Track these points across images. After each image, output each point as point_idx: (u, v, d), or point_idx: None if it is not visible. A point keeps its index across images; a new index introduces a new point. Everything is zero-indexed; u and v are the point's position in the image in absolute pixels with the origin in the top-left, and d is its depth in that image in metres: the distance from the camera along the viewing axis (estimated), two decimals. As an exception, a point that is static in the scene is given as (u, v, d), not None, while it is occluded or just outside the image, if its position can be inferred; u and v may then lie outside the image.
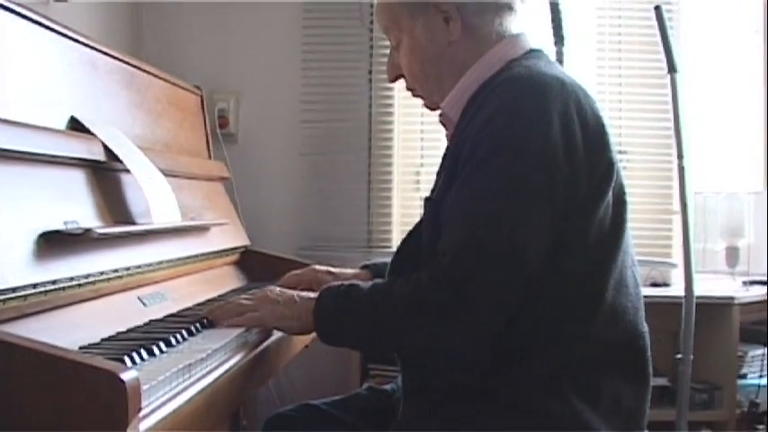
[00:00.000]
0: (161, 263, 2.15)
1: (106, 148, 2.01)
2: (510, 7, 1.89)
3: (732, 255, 3.70)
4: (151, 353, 1.58)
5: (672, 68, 3.24)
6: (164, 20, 3.85)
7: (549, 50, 3.07)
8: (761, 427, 3.43)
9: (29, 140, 1.71)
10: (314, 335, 1.84)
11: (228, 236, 2.73)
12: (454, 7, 1.85)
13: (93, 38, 2.25)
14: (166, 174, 2.26)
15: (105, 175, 2.03)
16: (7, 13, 1.83)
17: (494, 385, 1.71)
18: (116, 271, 1.89)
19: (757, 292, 3.48)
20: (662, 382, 3.35)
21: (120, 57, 2.39)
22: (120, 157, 2.03)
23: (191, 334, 1.79)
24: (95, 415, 1.24)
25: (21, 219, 1.60)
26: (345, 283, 1.82)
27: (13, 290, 1.50)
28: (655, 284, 3.61)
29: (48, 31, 2.00)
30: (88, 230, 1.74)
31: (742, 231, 3.72)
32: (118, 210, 2.03)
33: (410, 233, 1.98)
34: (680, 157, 3.21)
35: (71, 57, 2.11)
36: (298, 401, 2.07)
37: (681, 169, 3.21)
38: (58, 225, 1.70)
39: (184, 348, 1.69)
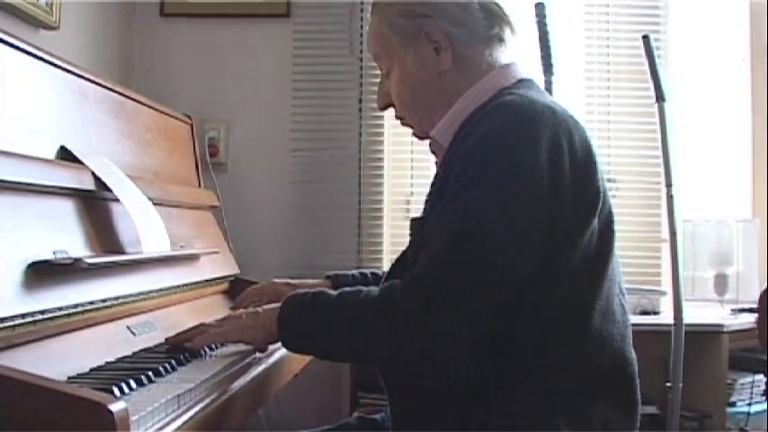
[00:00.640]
0: (150, 292, 2.15)
1: (96, 177, 2.01)
2: (500, 38, 1.91)
3: (721, 282, 3.71)
4: (140, 383, 1.58)
5: (660, 97, 3.26)
6: (154, 48, 3.86)
7: (539, 79, 3.11)
8: (751, 454, 3.43)
9: (18, 170, 1.71)
10: (304, 363, 1.84)
11: (218, 264, 2.73)
12: (445, 38, 1.87)
13: (82, 67, 2.25)
14: (156, 203, 2.26)
15: (95, 205, 2.02)
16: (-4, 42, 1.83)
17: (482, 413, 1.70)
18: (105, 300, 1.89)
19: (746, 320, 3.48)
20: (652, 410, 3.35)
21: (110, 86, 2.39)
22: (110, 187, 2.03)
23: (180, 364, 1.79)
24: (84, 446, 1.23)
25: (10, 248, 1.60)
26: (311, 290, 1.82)
27: (2, 320, 1.50)
28: (644, 312, 3.61)
29: (37, 61, 2.01)
30: (77, 260, 1.73)
31: (731, 259, 3.72)
32: (107, 239, 2.02)
33: (399, 257, 1.99)
34: (668, 185, 3.23)
35: (61, 86, 2.11)
36: (287, 430, 2.07)
37: (669, 197, 3.22)
38: (47, 255, 1.70)
39: (173, 378, 1.68)
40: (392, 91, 1.96)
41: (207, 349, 1.93)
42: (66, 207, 1.90)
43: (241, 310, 1.92)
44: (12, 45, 1.90)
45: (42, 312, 1.62)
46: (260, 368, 1.94)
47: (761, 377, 3.51)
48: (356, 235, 3.79)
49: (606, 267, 1.76)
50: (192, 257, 2.50)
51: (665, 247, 3.46)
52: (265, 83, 3.86)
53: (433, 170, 2.00)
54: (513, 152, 1.68)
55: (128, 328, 1.99)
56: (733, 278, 3.71)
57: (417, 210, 3.66)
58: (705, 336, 3.41)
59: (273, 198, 3.82)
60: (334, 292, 1.77)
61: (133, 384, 1.55)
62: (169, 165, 2.73)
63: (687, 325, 3.16)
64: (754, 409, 3.51)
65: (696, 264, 3.75)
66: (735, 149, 4.00)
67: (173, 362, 1.76)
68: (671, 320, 3.16)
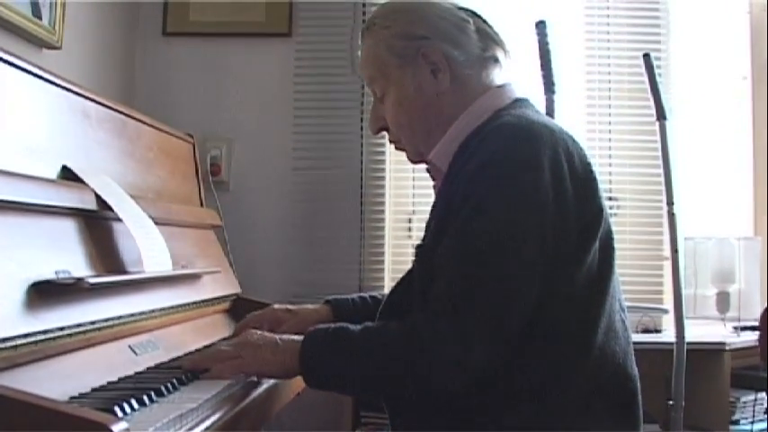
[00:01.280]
0: (153, 311, 2.14)
1: (98, 196, 2.01)
2: (495, 59, 1.92)
3: (723, 300, 3.70)
4: (142, 403, 1.57)
5: (661, 115, 3.26)
6: (156, 67, 3.87)
7: (540, 99, 3.13)
8: (754, 473, 3.42)
9: (20, 190, 1.71)
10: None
11: (220, 284, 2.72)
12: (443, 59, 1.87)
13: (84, 86, 2.26)
14: (158, 222, 2.26)
15: (97, 224, 2.03)
16: (-2, 62, 1.84)
17: (484, 431, 1.70)
18: (107, 320, 1.89)
19: (748, 338, 3.47)
20: (654, 428, 3.34)
21: (112, 105, 2.40)
22: (112, 206, 2.03)
23: (182, 383, 1.78)
24: (85, 466, 1.23)
25: (12, 268, 1.60)
26: (333, 325, 1.80)
27: (4, 340, 1.49)
28: (646, 330, 3.61)
29: (39, 80, 2.01)
30: (80, 280, 1.74)
31: (733, 277, 3.72)
32: (109, 258, 2.03)
33: (400, 281, 1.98)
34: (670, 203, 3.23)
35: (63, 105, 2.12)
36: (289, 450, 2.06)
37: (671, 215, 3.23)
38: (49, 275, 1.70)
39: (175, 398, 1.68)
40: (388, 114, 1.96)
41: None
42: (69, 227, 1.90)
43: (257, 335, 1.85)
44: (14, 65, 1.90)
45: (44, 332, 1.62)
46: (262, 387, 1.93)
47: (763, 395, 3.50)
48: (358, 254, 3.78)
49: (608, 285, 1.77)
50: (194, 277, 2.50)
51: (667, 265, 3.45)
52: (267, 102, 3.86)
53: (435, 189, 2.00)
54: (516, 177, 1.68)
55: (130, 347, 1.99)
56: (735, 296, 3.71)
57: (419, 228, 3.69)
58: (707, 354, 3.40)
59: (275, 217, 3.82)
60: (356, 328, 1.76)
61: (135, 404, 1.54)
62: (171, 184, 2.74)
63: (689, 343, 3.16)
64: (756, 427, 3.50)
65: (698, 282, 3.75)
66: (736, 167, 4.00)
67: (175, 381, 1.76)
68: (673, 338, 3.16)
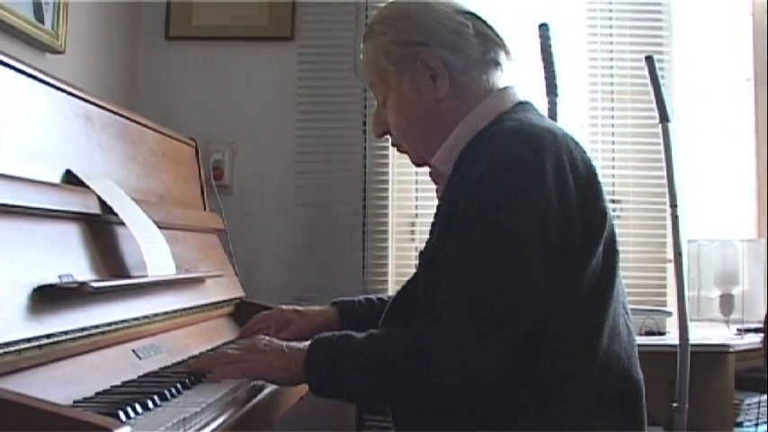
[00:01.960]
0: (156, 315, 2.15)
1: (101, 200, 2.01)
2: (496, 62, 1.92)
3: (727, 302, 3.69)
4: (145, 407, 1.57)
5: (664, 118, 3.26)
6: (159, 71, 3.87)
7: (543, 101, 3.12)
8: (758, 475, 3.42)
9: (24, 194, 1.71)
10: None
11: (223, 287, 2.73)
12: (442, 65, 1.87)
13: (87, 90, 2.26)
14: (161, 226, 2.26)
15: (100, 228, 2.03)
16: (1, 66, 1.84)
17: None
18: (111, 324, 1.89)
19: (752, 340, 3.47)
20: (658, 431, 3.34)
21: (115, 109, 2.40)
22: (116, 210, 2.03)
23: (186, 387, 1.78)
24: (89, 470, 1.23)
25: (15, 273, 1.60)
26: (337, 333, 1.81)
27: (8, 344, 1.50)
28: (650, 333, 3.60)
29: (42, 85, 2.01)
30: (83, 284, 1.74)
31: (736, 279, 3.71)
32: (113, 263, 2.03)
33: (404, 286, 1.99)
34: (673, 205, 3.23)
35: (66, 110, 2.12)
36: (293, 453, 2.06)
37: (674, 218, 3.22)
38: (52, 279, 1.70)
39: (179, 402, 1.68)
40: (389, 119, 1.96)
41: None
42: (72, 231, 1.90)
43: (264, 341, 1.86)
44: (17, 69, 1.90)
45: (48, 336, 1.63)
46: (266, 391, 1.94)
47: (767, 397, 3.50)
48: (361, 257, 3.78)
49: (612, 288, 1.76)
50: (198, 281, 2.50)
51: (671, 268, 3.45)
52: (270, 105, 3.86)
53: (439, 193, 2.00)
54: (519, 181, 1.68)
55: (133, 351, 1.99)
56: (738, 298, 3.70)
57: (422, 231, 3.69)
58: (711, 356, 3.40)
59: (278, 220, 3.82)
60: (360, 336, 1.76)
61: (139, 408, 1.55)
62: (174, 188, 2.74)
63: (693, 345, 3.16)
64: (761, 429, 3.49)
65: (701, 284, 3.74)
66: (739, 169, 3.99)
67: (178, 385, 1.76)
68: (677, 341, 3.15)
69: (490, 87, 1.91)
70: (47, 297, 1.65)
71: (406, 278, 2.04)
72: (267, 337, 1.89)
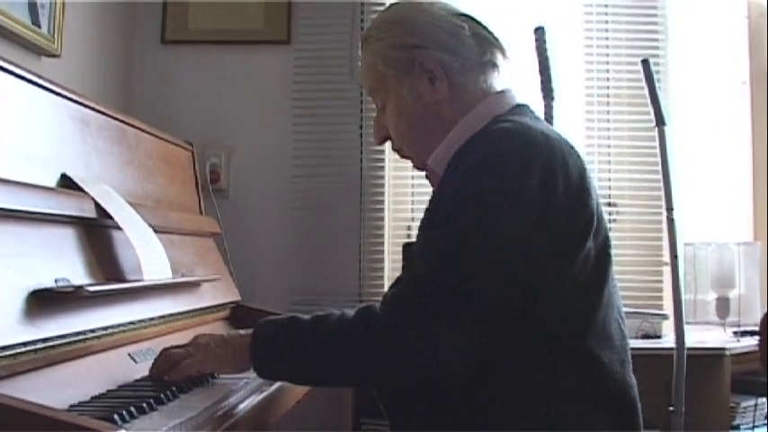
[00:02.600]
0: (152, 319, 2.15)
1: (97, 204, 2.01)
2: (493, 64, 1.92)
3: (723, 305, 3.70)
4: (142, 411, 1.58)
5: (660, 121, 3.27)
6: (155, 75, 3.87)
7: (539, 105, 3.13)
8: (755, 478, 3.42)
9: (20, 198, 1.71)
10: (306, 390, 1.83)
11: (219, 291, 2.72)
12: (439, 67, 1.88)
13: (83, 94, 2.26)
14: (157, 230, 2.26)
15: (96, 232, 2.03)
16: (-2, 70, 1.84)
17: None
18: (107, 328, 1.89)
19: (749, 343, 3.47)
20: (655, 434, 3.35)
21: (111, 113, 2.40)
22: (112, 214, 2.04)
23: (181, 391, 1.79)
24: (85, 475, 1.23)
25: (11, 277, 1.60)
26: (282, 316, 1.84)
27: (3, 348, 1.50)
28: (646, 336, 3.61)
29: (39, 89, 2.01)
30: (79, 288, 1.74)
31: (732, 282, 3.71)
32: (109, 266, 2.03)
33: (394, 282, 2.01)
34: (669, 208, 3.24)
35: (62, 113, 2.12)
36: (289, 457, 2.06)
37: (670, 221, 3.23)
38: (48, 283, 1.70)
39: (175, 406, 1.68)
40: (389, 124, 1.97)
41: (210, 377, 1.93)
42: (68, 235, 1.90)
43: (206, 335, 1.90)
44: (13, 73, 1.90)
45: (44, 340, 1.63)
46: (262, 395, 1.94)
47: (764, 400, 3.50)
48: (357, 261, 3.78)
49: (601, 292, 1.77)
50: (194, 284, 2.50)
51: (667, 271, 3.45)
52: (266, 109, 3.86)
53: (433, 196, 2.01)
54: (502, 178, 1.69)
55: (129, 355, 1.99)
56: (735, 301, 3.70)
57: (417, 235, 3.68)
58: (707, 359, 3.40)
59: (275, 224, 3.82)
60: (307, 317, 1.78)
61: (135, 412, 1.55)
62: (170, 191, 2.74)
63: (689, 348, 3.16)
64: (758, 432, 3.51)
65: (698, 287, 3.75)
66: (735, 172, 4.00)
67: (174, 389, 1.76)
68: (673, 344, 3.16)
69: (488, 89, 1.92)
70: (43, 301, 1.65)
71: (399, 275, 2.05)
72: (208, 333, 1.94)
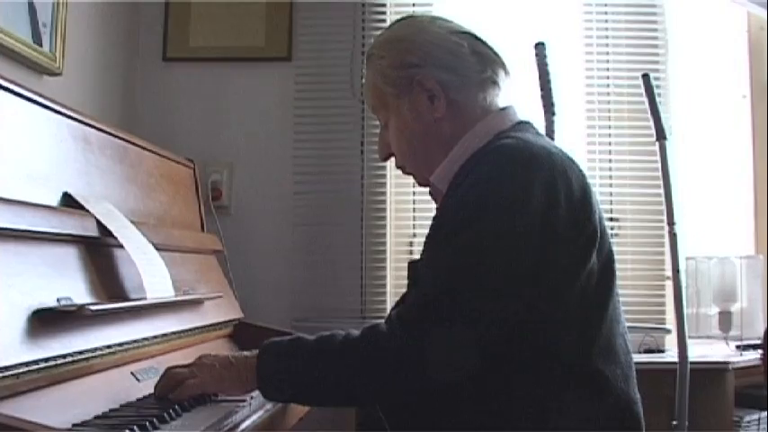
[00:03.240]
0: (155, 337, 2.15)
1: (99, 223, 2.01)
2: (493, 82, 1.93)
3: (725, 319, 3.69)
4: (144, 429, 1.57)
5: (661, 135, 3.27)
6: (157, 93, 3.87)
7: (540, 120, 3.13)
8: (759, 493, 3.41)
9: (22, 217, 1.71)
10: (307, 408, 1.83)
11: (222, 309, 2.72)
12: (437, 85, 1.89)
13: (85, 113, 2.27)
14: (159, 248, 2.26)
15: (99, 251, 2.03)
16: None
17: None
18: (110, 347, 1.89)
19: (751, 357, 3.47)
20: (659, 449, 3.34)
21: (113, 132, 2.40)
22: (114, 233, 2.04)
23: (184, 410, 1.79)
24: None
25: (14, 296, 1.61)
26: (288, 337, 1.84)
27: (6, 368, 1.50)
28: (649, 351, 3.60)
29: (40, 108, 2.02)
30: (81, 307, 1.74)
31: (735, 296, 3.71)
32: (111, 285, 2.03)
33: (399, 300, 2.01)
34: (671, 223, 3.24)
35: (64, 132, 2.12)
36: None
37: (672, 235, 3.23)
38: (51, 302, 1.70)
39: (178, 425, 1.68)
40: (391, 141, 1.98)
41: (213, 396, 1.93)
42: (70, 254, 1.91)
43: (211, 356, 1.90)
44: (15, 92, 1.91)
45: (46, 360, 1.63)
46: (265, 414, 1.94)
47: (767, 414, 3.49)
48: (359, 277, 3.77)
49: (606, 307, 1.77)
50: (196, 302, 2.50)
51: (669, 285, 3.45)
52: (267, 126, 3.86)
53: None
54: (504, 194, 1.70)
55: (132, 374, 1.99)
56: (737, 315, 3.70)
57: (420, 251, 3.67)
58: (710, 373, 3.39)
59: (276, 241, 3.82)
60: (311, 337, 1.78)
61: (138, 431, 1.55)
62: (172, 209, 2.74)
63: (692, 363, 3.16)
64: (761, 446, 3.50)
65: (700, 301, 3.74)
66: (737, 186, 4.00)
67: (177, 408, 1.76)
68: (676, 358, 3.15)
69: (489, 106, 1.93)
70: (45, 320, 1.65)
71: (404, 293, 2.06)
72: (213, 353, 1.93)
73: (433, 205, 2.05)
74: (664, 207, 3.28)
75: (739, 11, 4.02)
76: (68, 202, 2.01)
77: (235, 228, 3.75)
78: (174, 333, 2.27)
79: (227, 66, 3.88)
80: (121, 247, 2.06)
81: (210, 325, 2.58)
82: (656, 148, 3.30)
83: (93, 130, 2.28)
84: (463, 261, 1.68)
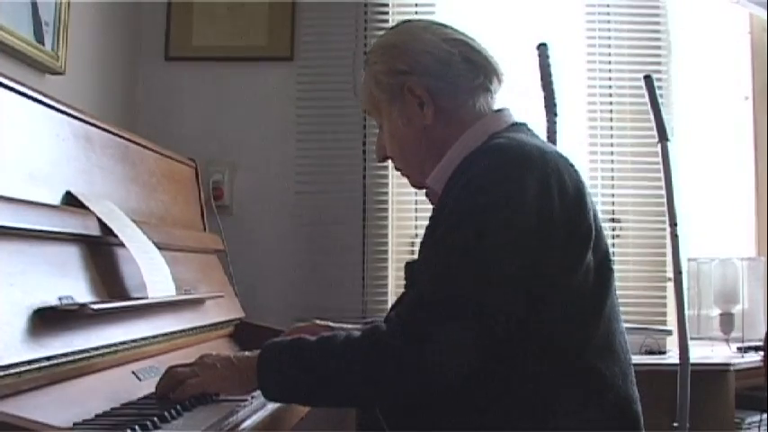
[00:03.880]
0: (156, 337, 2.15)
1: (101, 222, 2.02)
2: (486, 88, 1.96)
3: (727, 321, 3.69)
4: (146, 428, 1.57)
5: (663, 136, 3.27)
6: (159, 92, 3.87)
7: (542, 121, 3.13)
8: (760, 495, 3.41)
9: (24, 216, 1.71)
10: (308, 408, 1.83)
11: (223, 308, 2.72)
12: (426, 93, 1.92)
13: (87, 112, 2.27)
14: (161, 247, 2.26)
15: (100, 250, 2.03)
16: (1, 87, 1.84)
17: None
18: (111, 346, 1.89)
19: (753, 358, 3.47)
20: (659, 450, 3.34)
21: (115, 131, 2.40)
22: (115, 232, 2.04)
23: (185, 409, 1.78)
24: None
25: (16, 295, 1.61)
26: (289, 338, 1.84)
27: (8, 367, 1.50)
28: (650, 352, 3.59)
29: (42, 106, 2.02)
30: (83, 306, 1.74)
31: (736, 297, 3.71)
32: (113, 284, 2.03)
33: (397, 300, 2.02)
34: (673, 224, 3.23)
35: (66, 131, 2.12)
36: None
37: (674, 236, 3.22)
38: (53, 301, 1.70)
39: (179, 424, 1.68)
40: (386, 145, 2.01)
41: (214, 395, 1.93)
42: (72, 253, 1.91)
43: (213, 355, 1.90)
44: (17, 90, 1.91)
45: (48, 359, 1.63)
46: (265, 413, 1.94)
47: (768, 416, 3.50)
48: (361, 278, 3.78)
49: (603, 305, 1.78)
50: (197, 302, 2.50)
51: (670, 287, 3.44)
52: (269, 125, 3.86)
53: (437, 212, 2.03)
54: (498, 193, 1.70)
55: (133, 373, 1.99)
56: (739, 316, 3.70)
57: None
58: (712, 375, 3.39)
59: (278, 241, 3.82)
60: (313, 338, 1.78)
61: (139, 430, 1.55)
62: (174, 208, 2.74)
63: (693, 364, 3.15)
64: (762, 448, 3.50)
65: (701, 302, 3.74)
66: (739, 187, 4.00)
67: (178, 407, 1.76)
68: (677, 360, 3.15)
69: (481, 111, 1.95)
70: (47, 319, 1.66)
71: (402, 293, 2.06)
72: (214, 353, 1.93)
73: (436, 204, 2.06)
74: (665, 208, 3.27)
75: (741, 12, 4.03)
76: (70, 201, 2.01)
77: (236, 227, 3.74)
78: (175, 332, 2.27)
79: (230, 65, 3.88)
80: (123, 246, 2.06)
81: (211, 324, 2.59)
82: (658, 149, 3.29)
83: (94, 129, 2.28)
84: (458, 260, 1.68)
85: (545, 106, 3.22)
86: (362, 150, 3.80)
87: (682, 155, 3.70)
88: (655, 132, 3.30)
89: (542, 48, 3.23)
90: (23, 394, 1.55)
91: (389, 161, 2.08)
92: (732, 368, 3.40)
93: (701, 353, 3.46)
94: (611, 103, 3.82)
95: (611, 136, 3.82)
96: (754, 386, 3.49)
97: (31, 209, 1.76)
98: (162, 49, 3.88)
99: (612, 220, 3.75)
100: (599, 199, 3.71)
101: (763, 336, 3.47)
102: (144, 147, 2.61)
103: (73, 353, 1.72)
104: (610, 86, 3.82)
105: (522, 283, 1.68)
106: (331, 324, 2.32)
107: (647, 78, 3.30)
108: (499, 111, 1.97)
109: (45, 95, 2.03)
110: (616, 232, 3.76)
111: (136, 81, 3.83)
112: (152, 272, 2.13)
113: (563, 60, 3.46)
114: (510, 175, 1.71)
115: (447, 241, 1.72)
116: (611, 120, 3.82)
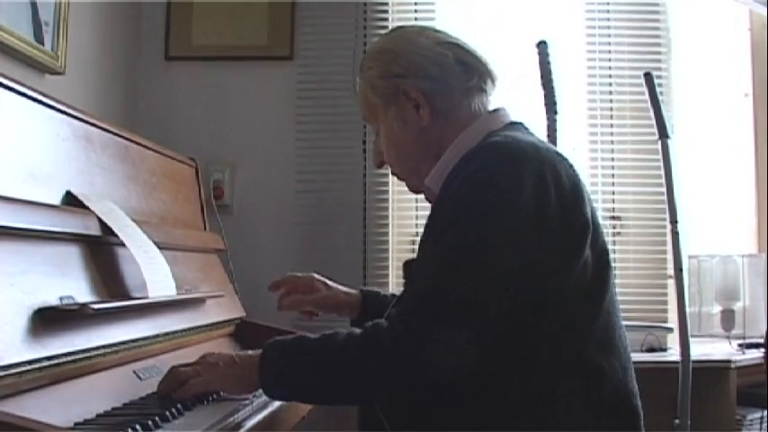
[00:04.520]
0: (157, 336, 2.15)
1: (101, 222, 2.02)
2: (480, 89, 1.98)
3: (728, 318, 3.69)
4: (147, 428, 1.57)
5: (663, 134, 3.27)
6: (159, 92, 3.87)
7: (542, 119, 3.13)
8: (761, 491, 3.41)
9: (24, 216, 1.71)
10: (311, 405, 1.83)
11: (224, 308, 2.72)
12: (421, 95, 1.94)
13: (87, 111, 2.27)
14: (162, 246, 2.26)
15: (101, 250, 2.03)
16: (1, 88, 1.84)
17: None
18: (112, 346, 1.89)
19: (754, 355, 3.46)
20: (661, 447, 3.34)
21: (115, 130, 2.40)
22: (116, 231, 2.04)
23: (187, 409, 1.78)
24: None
25: (16, 295, 1.61)
26: (290, 336, 1.84)
27: (9, 367, 1.50)
28: (651, 349, 3.59)
29: (42, 106, 2.02)
30: (84, 306, 1.74)
31: (737, 294, 3.71)
32: (114, 284, 2.03)
33: (398, 298, 2.03)
34: (673, 221, 3.23)
35: (66, 131, 2.12)
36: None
37: (674, 233, 3.22)
38: (53, 301, 1.70)
39: (180, 423, 1.68)
40: (383, 149, 2.03)
41: (216, 395, 1.93)
42: (73, 252, 1.91)
43: (215, 355, 1.90)
44: (16, 91, 1.91)
45: (49, 358, 1.63)
46: (267, 412, 1.94)
47: (770, 413, 3.50)
48: (361, 277, 3.77)
49: (602, 300, 1.79)
50: (198, 301, 2.50)
51: (671, 284, 3.44)
52: (270, 125, 3.86)
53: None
54: (495, 189, 1.71)
55: (134, 372, 1.99)
56: (740, 313, 3.70)
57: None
58: (713, 372, 3.39)
59: (278, 240, 3.81)
60: (314, 336, 1.78)
61: (140, 430, 1.55)
62: (174, 208, 2.74)
63: (694, 361, 3.15)
64: (764, 445, 3.50)
65: (702, 299, 3.74)
66: (739, 184, 4.00)
67: (179, 407, 1.76)
68: (678, 357, 3.15)
69: (477, 111, 1.97)
70: (48, 319, 1.66)
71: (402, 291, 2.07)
72: (216, 352, 1.94)
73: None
74: (666, 205, 3.27)
75: (741, 9, 4.02)
76: (70, 200, 2.01)
77: (236, 227, 3.75)
78: (176, 332, 2.27)
79: (230, 65, 3.88)
80: (124, 245, 2.06)
81: (212, 324, 2.59)
82: (659, 146, 3.29)
83: (95, 129, 2.28)
84: (455, 256, 1.69)
85: (545, 104, 3.22)
86: (362, 150, 3.80)
87: (682, 152, 3.70)
88: (655, 129, 3.30)
89: (542, 45, 3.23)
90: (24, 394, 1.55)
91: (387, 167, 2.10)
92: (733, 365, 3.40)
93: (702, 350, 3.46)
94: (611, 101, 3.82)
95: (612, 133, 3.81)
96: (755, 383, 3.49)
97: (31, 209, 1.76)
98: (162, 48, 3.88)
99: (613, 218, 3.75)
100: (599, 196, 3.71)
101: (764, 332, 3.47)
102: (144, 146, 2.61)
103: (74, 353, 1.72)
104: (610, 84, 3.82)
105: (521, 279, 1.69)
106: (327, 281, 2.39)
107: (647, 75, 3.30)
108: (495, 110, 1.99)
109: (45, 95, 2.03)
110: (617, 230, 3.75)
111: (136, 81, 3.83)
112: (152, 271, 2.13)
113: (563, 58, 3.46)
114: (506, 172, 1.72)
115: (444, 239, 1.72)
116: (612, 117, 3.82)
